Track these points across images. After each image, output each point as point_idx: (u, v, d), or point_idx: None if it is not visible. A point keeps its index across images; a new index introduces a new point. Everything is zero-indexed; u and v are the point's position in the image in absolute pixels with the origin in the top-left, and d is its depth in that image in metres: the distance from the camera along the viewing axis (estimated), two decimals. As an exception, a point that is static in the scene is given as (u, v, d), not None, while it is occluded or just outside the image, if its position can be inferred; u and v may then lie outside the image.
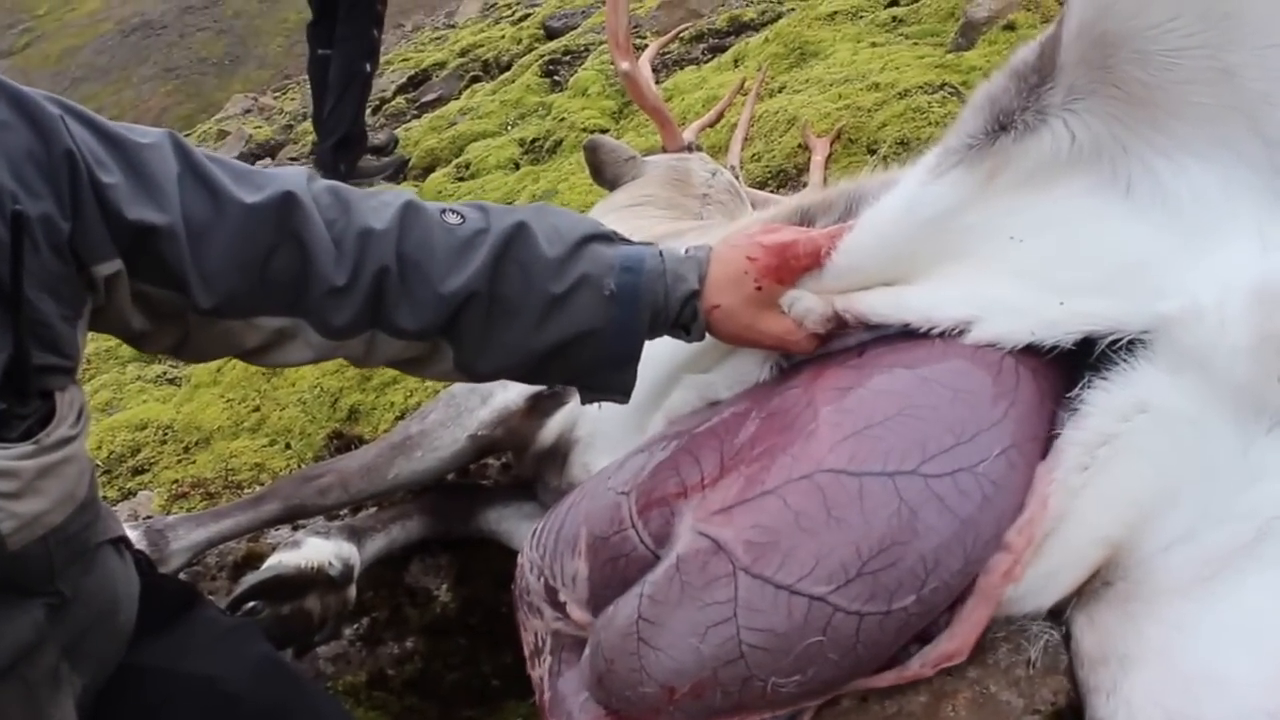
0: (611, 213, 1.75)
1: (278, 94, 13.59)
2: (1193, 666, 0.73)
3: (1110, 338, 0.84)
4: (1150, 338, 0.83)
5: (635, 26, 4.99)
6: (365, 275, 0.88)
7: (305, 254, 0.87)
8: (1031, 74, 0.87)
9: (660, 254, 0.96)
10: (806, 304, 0.95)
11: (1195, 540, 0.80)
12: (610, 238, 0.97)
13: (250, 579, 1.24)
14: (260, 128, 7.92)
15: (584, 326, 0.93)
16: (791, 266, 0.94)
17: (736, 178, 2.03)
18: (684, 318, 0.96)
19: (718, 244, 0.98)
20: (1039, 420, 0.85)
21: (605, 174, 1.92)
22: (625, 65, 1.85)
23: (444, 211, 0.94)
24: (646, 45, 4.17)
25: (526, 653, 1.05)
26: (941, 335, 0.88)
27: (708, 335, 1.00)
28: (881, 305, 0.90)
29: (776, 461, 0.86)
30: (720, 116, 2.30)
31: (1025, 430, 0.83)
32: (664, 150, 1.99)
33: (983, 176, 0.87)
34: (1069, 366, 0.87)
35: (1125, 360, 0.83)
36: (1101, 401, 0.83)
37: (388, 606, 1.46)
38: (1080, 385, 0.85)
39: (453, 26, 11.74)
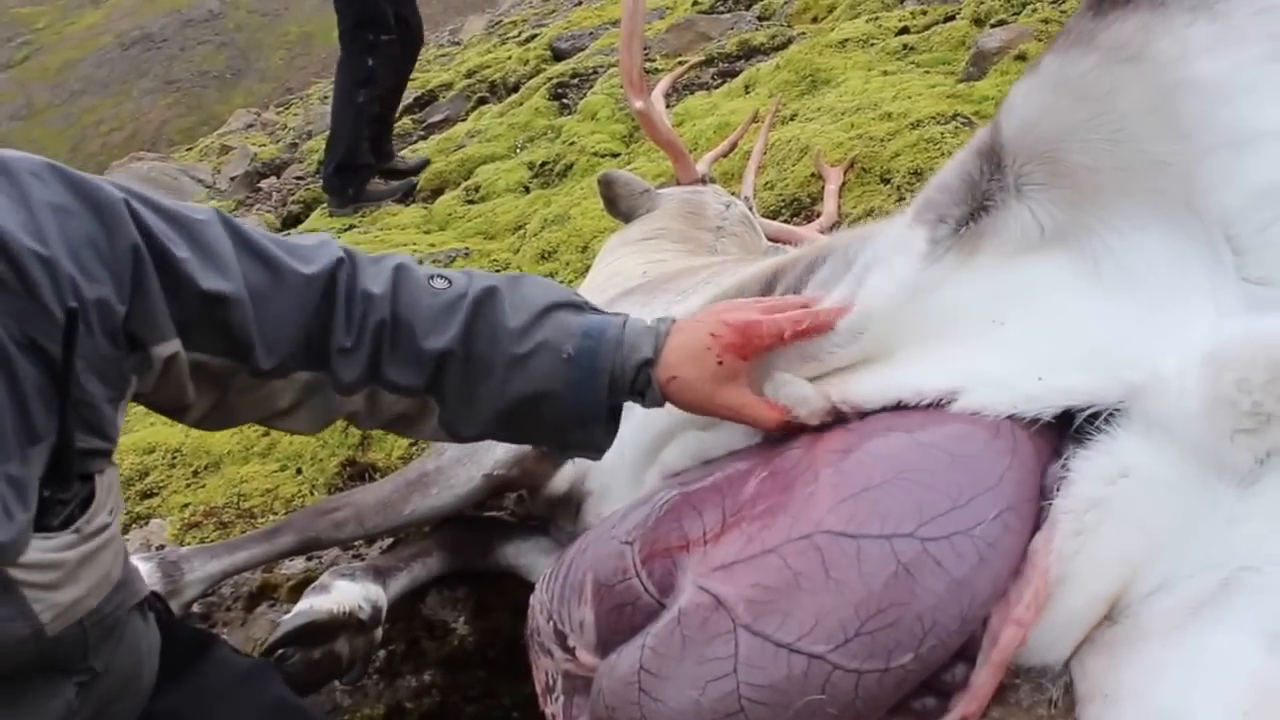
0: (626, 246, 1.81)
1: (280, 109, 13.76)
2: (1161, 704, 0.78)
3: (1088, 411, 0.90)
4: (1125, 406, 0.89)
5: (645, 49, 5.08)
6: (367, 335, 0.97)
7: (332, 317, 0.95)
8: (990, 159, 0.95)
9: (623, 323, 1.03)
10: (799, 393, 1.00)
11: (1173, 590, 0.85)
12: (580, 307, 1.05)
13: (284, 627, 1.29)
14: (265, 145, 8.04)
15: (544, 387, 1.00)
16: (755, 345, 1.01)
17: (750, 209, 2.09)
18: (638, 384, 1.03)
19: (684, 318, 1.06)
20: (1034, 483, 0.89)
21: (620, 207, 1.98)
22: (639, 104, 1.91)
23: (432, 277, 1.02)
24: (658, 73, 4.26)
25: (539, 689, 1.11)
26: (929, 406, 0.94)
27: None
28: (875, 391, 0.96)
29: (777, 521, 0.90)
30: (734, 146, 2.36)
31: (1021, 493, 0.88)
32: (678, 182, 2.05)
33: (966, 256, 0.93)
34: (1058, 432, 0.92)
35: (1105, 429, 0.89)
36: (1086, 469, 0.88)
37: (405, 639, 1.50)
38: (1066, 455, 0.90)
39: (458, 44, 11.91)
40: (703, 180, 2.06)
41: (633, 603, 0.98)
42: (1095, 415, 0.90)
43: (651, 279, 1.57)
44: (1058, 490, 0.88)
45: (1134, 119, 0.92)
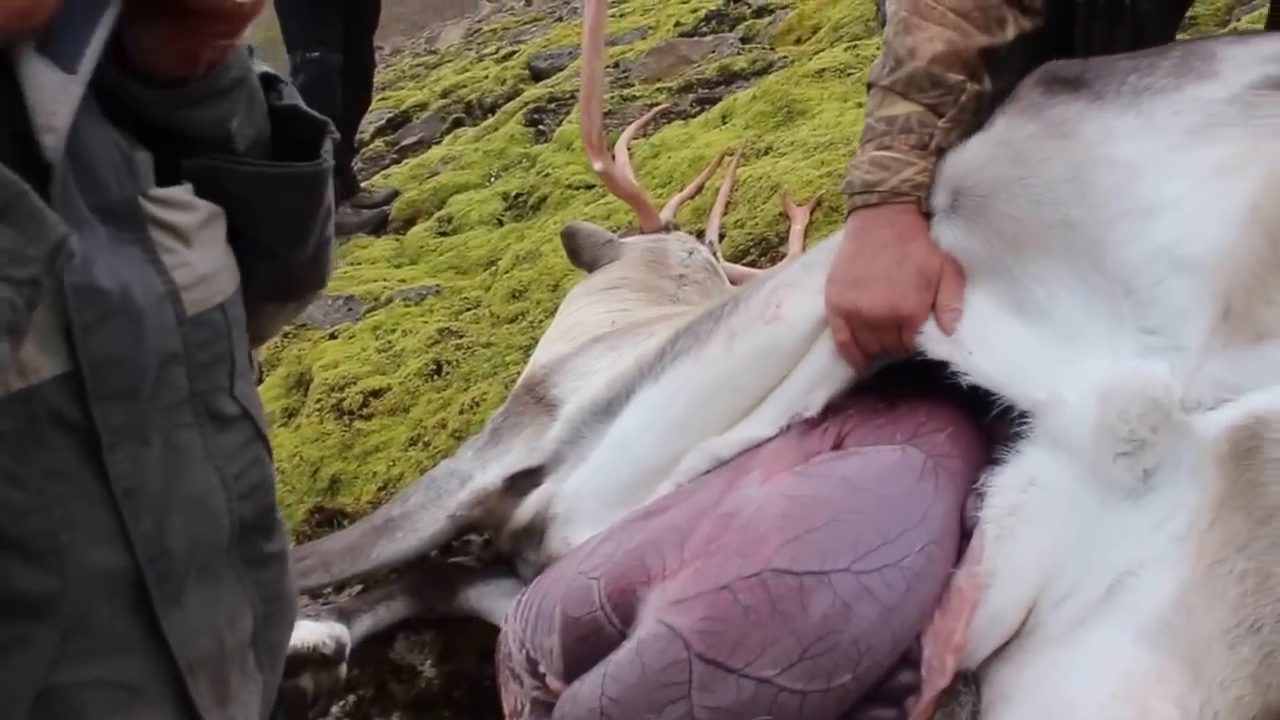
0: (589, 295, 1.95)
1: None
2: (1053, 696, 0.95)
3: (1000, 404, 1.12)
4: (1031, 422, 1.09)
5: (624, 72, 5.26)
6: None
7: None
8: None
9: None
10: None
11: (1073, 597, 1.02)
12: None
13: None
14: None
15: None
16: None
17: (715, 253, 2.23)
18: None
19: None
20: (955, 517, 1.07)
21: (583, 257, 2.12)
22: (599, 165, 2.05)
23: None
24: (634, 100, 4.45)
25: (506, 710, 1.22)
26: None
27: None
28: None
29: (729, 560, 1.05)
30: (700, 189, 2.52)
31: (943, 527, 1.05)
32: (641, 231, 2.20)
33: None
34: (977, 467, 1.10)
35: (1015, 447, 1.10)
36: (1001, 482, 1.08)
37: (374, 684, 1.61)
38: (983, 480, 1.09)
39: (434, 52, 12.09)
40: (666, 228, 2.20)
41: (597, 633, 1.12)
42: (1005, 416, 1.11)
43: (620, 326, 1.71)
44: (979, 508, 1.07)
45: (1057, 185, 1.14)
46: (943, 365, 1.17)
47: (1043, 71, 1.22)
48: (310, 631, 1.45)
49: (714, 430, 1.36)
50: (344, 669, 1.50)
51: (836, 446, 1.18)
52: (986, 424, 1.16)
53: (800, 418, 1.27)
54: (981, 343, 1.15)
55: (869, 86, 1.29)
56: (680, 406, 1.40)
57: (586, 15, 2.01)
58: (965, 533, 1.07)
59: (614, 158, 2.22)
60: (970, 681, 1.05)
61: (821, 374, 1.29)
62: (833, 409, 1.26)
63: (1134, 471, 1.03)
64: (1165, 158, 1.10)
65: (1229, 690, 0.88)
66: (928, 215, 1.23)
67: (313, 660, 1.43)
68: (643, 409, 1.46)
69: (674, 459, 1.38)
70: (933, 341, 1.18)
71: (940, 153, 1.23)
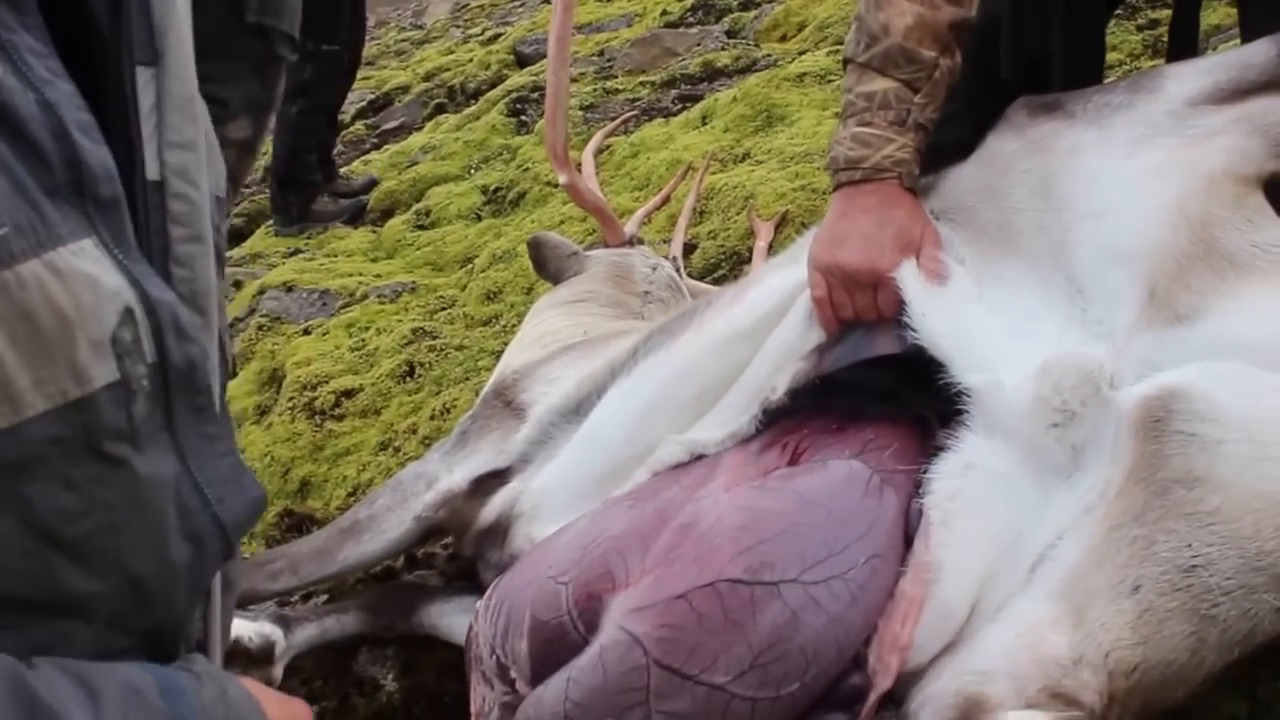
0: (555, 308, 2.01)
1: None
2: (970, 667, 1.07)
3: (944, 378, 1.22)
4: (969, 409, 1.20)
5: (609, 61, 5.32)
6: None
7: None
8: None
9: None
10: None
11: (1008, 575, 1.12)
12: None
13: None
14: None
15: None
16: None
17: (678, 269, 2.30)
18: None
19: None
20: (898, 531, 1.15)
21: (549, 269, 2.17)
22: (564, 178, 2.10)
23: None
24: (618, 94, 4.51)
25: (473, 710, 1.29)
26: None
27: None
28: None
29: (686, 569, 1.13)
30: (665, 201, 2.58)
31: (887, 541, 1.13)
32: (605, 244, 2.25)
33: None
34: (914, 475, 1.20)
35: (953, 433, 1.20)
36: (942, 468, 1.18)
37: (336, 696, 1.65)
38: (924, 470, 1.18)
39: (421, 27, 12.06)
40: (631, 242, 2.25)
41: (562, 638, 1.20)
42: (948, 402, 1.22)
43: (592, 337, 1.79)
44: (925, 494, 1.17)
45: (1034, 195, 1.30)
46: (894, 388, 1.27)
47: (1026, 99, 1.38)
48: (239, 626, 1.49)
49: (684, 417, 1.44)
50: (277, 671, 1.53)
51: (793, 463, 1.26)
52: (930, 443, 1.24)
53: (769, 402, 1.34)
54: (940, 311, 1.25)
55: (845, 63, 1.37)
56: (650, 392, 1.48)
57: (553, 24, 2.03)
58: (909, 540, 1.15)
59: (579, 169, 2.29)
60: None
61: (786, 353, 1.37)
62: (790, 424, 1.34)
63: (1064, 445, 1.13)
64: (1116, 165, 1.25)
65: (1109, 631, 1.01)
66: (910, 190, 1.33)
67: (235, 655, 1.46)
68: (613, 401, 1.53)
69: (646, 448, 1.44)
70: (907, 281, 1.26)
71: (918, 129, 1.31)
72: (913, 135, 1.31)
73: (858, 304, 1.29)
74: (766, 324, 1.39)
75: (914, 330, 1.23)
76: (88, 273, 0.73)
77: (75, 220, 0.74)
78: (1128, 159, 1.25)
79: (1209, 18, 2.78)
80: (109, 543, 0.76)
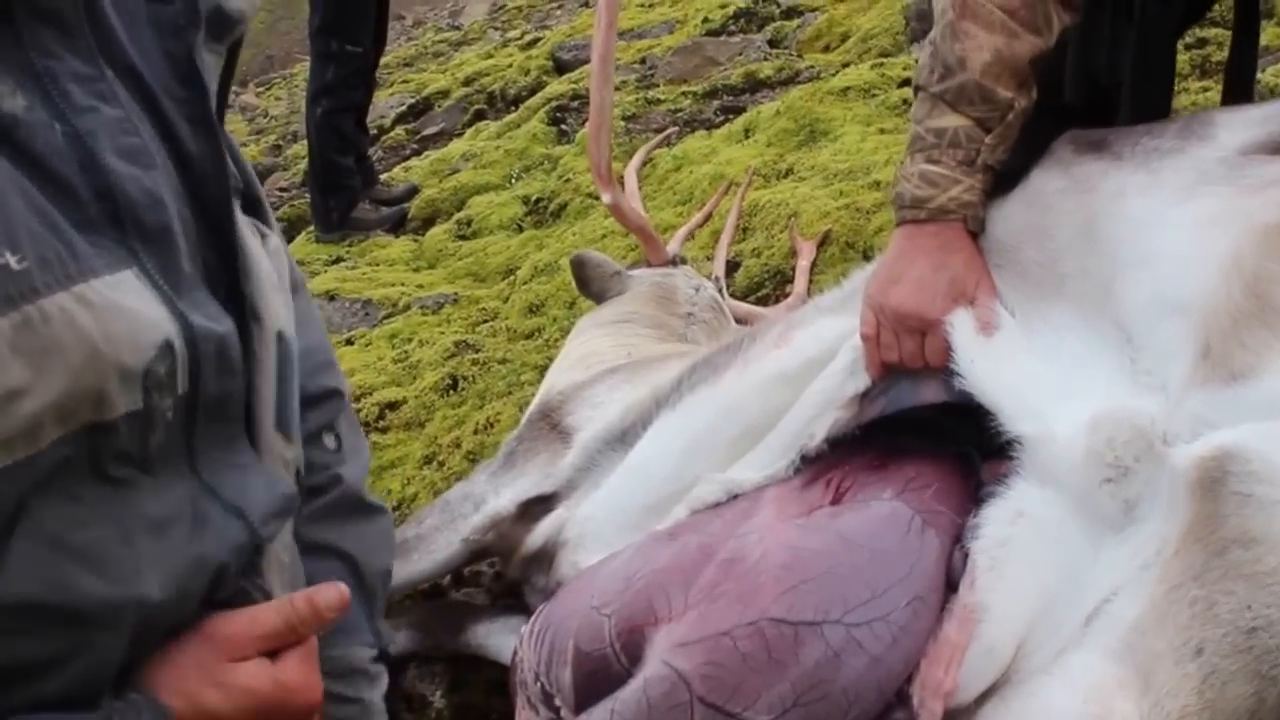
0: (599, 327, 2.05)
1: (261, 88, 13.83)
2: (1037, 711, 1.07)
3: (994, 426, 1.23)
4: (1020, 457, 1.21)
5: (650, 69, 5.36)
6: None
7: None
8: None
9: None
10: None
11: (1061, 629, 1.13)
12: None
13: None
14: (244, 143, 8.27)
15: None
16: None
17: (721, 289, 2.33)
18: None
19: None
20: (939, 573, 1.18)
21: (592, 288, 2.21)
22: (608, 198, 2.13)
23: None
24: (660, 104, 4.54)
25: None
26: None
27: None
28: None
29: (731, 607, 1.16)
30: (707, 219, 2.61)
31: (928, 583, 1.16)
32: (648, 263, 2.28)
33: None
34: (963, 519, 1.22)
35: (1004, 481, 1.21)
36: (992, 514, 1.19)
37: (387, 712, 1.73)
38: (973, 517, 1.20)
39: (458, 28, 12.19)
40: (674, 261, 2.28)
41: (605, 669, 1.24)
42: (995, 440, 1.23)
43: (636, 360, 1.82)
44: (971, 539, 1.19)
45: (1079, 236, 1.29)
46: (934, 421, 1.29)
47: (1073, 134, 1.37)
48: None
49: (724, 455, 1.47)
50: None
51: (835, 501, 1.29)
52: (973, 481, 1.27)
53: (807, 449, 1.37)
54: (989, 359, 1.26)
55: (915, 89, 1.34)
56: (694, 430, 1.51)
57: (595, 42, 2.05)
58: (952, 584, 1.17)
59: (622, 185, 2.31)
60: None
61: (827, 401, 1.39)
62: (832, 459, 1.37)
63: (1117, 500, 1.14)
64: (1166, 211, 1.24)
65: (1176, 698, 1.01)
66: (973, 234, 1.34)
67: None
68: (658, 435, 1.56)
69: (687, 484, 1.47)
70: (957, 329, 1.28)
71: (987, 170, 1.31)
72: (980, 177, 1.30)
73: (904, 348, 1.31)
74: (810, 369, 1.42)
75: (961, 377, 1.25)
76: (124, 305, 0.72)
77: (113, 252, 0.73)
78: (1178, 206, 1.24)
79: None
80: (121, 551, 0.77)
